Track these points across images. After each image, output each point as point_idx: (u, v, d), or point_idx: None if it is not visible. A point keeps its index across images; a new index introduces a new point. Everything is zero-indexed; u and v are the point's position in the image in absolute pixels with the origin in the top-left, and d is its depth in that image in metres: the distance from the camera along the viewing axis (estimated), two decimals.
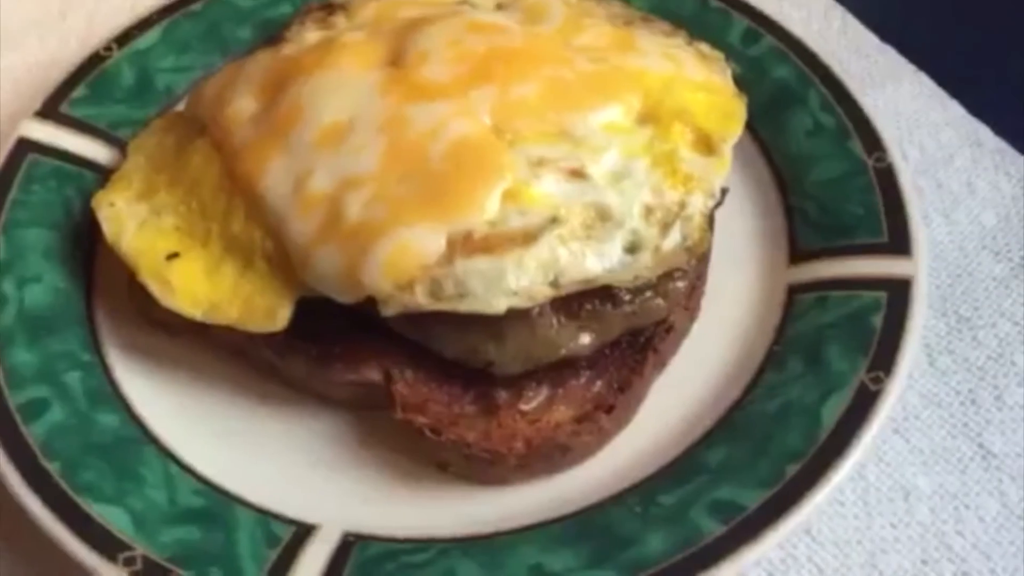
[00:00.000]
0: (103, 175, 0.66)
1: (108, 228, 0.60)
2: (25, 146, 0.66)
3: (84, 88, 0.70)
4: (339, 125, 0.57)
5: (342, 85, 0.59)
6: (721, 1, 0.74)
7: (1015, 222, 0.68)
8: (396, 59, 0.60)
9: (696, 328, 0.62)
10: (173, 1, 0.75)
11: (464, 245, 0.53)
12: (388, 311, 0.54)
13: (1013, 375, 0.62)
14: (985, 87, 0.76)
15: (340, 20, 0.66)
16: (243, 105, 0.61)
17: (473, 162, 0.55)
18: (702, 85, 0.62)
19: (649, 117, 0.59)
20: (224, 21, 0.75)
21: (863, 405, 0.55)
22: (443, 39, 0.60)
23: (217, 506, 0.55)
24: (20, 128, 0.67)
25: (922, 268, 0.60)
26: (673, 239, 0.56)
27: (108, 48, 0.72)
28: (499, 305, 0.53)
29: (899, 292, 0.59)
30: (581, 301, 0.55)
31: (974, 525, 0.57)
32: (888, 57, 0.78)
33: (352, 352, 0.57)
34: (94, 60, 0.71)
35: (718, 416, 0.57)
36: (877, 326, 0.58)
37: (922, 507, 0.58)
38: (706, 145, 0.59)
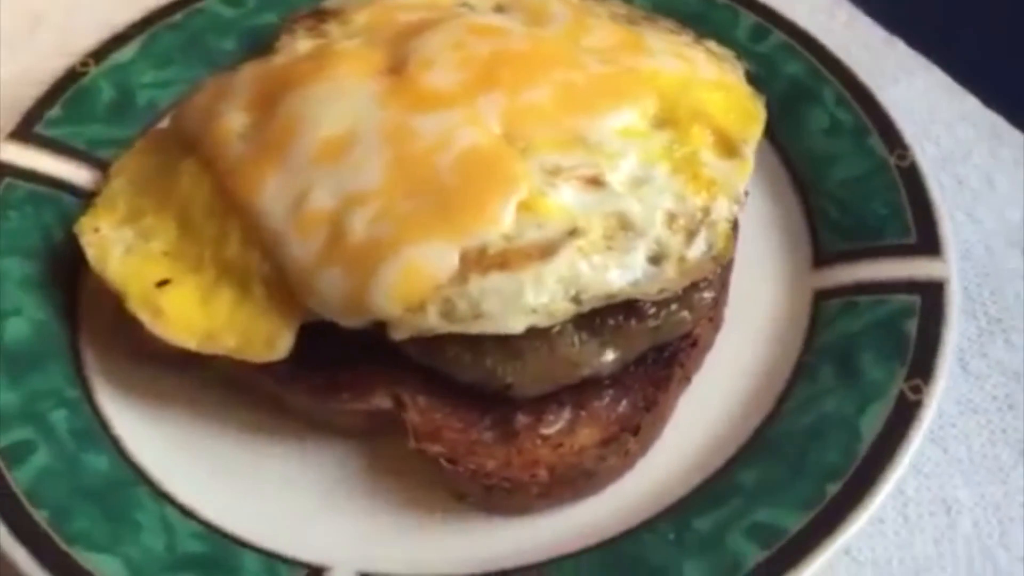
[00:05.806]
0: (83, 198, 0.62)
1: (93, 255, 0.56)
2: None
3: (60, 107, 0.65)
4: (338, 138, 0.54)
5: (340, 95, 0.55)
6: None
7: None
8: (396, 66, 0.57)
9: (719, 340, 0.59)
10: (151, 13, 0.71)
11: (478, 262, 0.50)
12: (398, 335, 0.50)
13: None
14: (1000, 78, 0.73)
15: (333, 28, 0.62)
16: (234, 119, 0.57)
17: (485, 173, 0.52)
18: (717, 84, 0.59)
19: (666, 120, 0.56)
20: (206, 32, 0.71)
21: (903, 416, 0.52)
22: (444, 44, 0.57)
23: (220, 551, 0.51)
24: None
25: (954, 269, 0.57)
26: (698, 248, 0.52)
27: (84, 63, 0.68)
28: (517, 325, 0.49)
29: (933, 295, 0.56)
30: (603, 317, 0.52)
31: (1020, 537, 0.54)
32: (897, 51, 0.75)
33: (359, 379, 0.53)
34: (70, 77, 0.67)
35: (749, 433, 0.54)
36: (912, 332, 0.55)
37: (964, 520, 0.55)
38: (727, 147, 0.56)
